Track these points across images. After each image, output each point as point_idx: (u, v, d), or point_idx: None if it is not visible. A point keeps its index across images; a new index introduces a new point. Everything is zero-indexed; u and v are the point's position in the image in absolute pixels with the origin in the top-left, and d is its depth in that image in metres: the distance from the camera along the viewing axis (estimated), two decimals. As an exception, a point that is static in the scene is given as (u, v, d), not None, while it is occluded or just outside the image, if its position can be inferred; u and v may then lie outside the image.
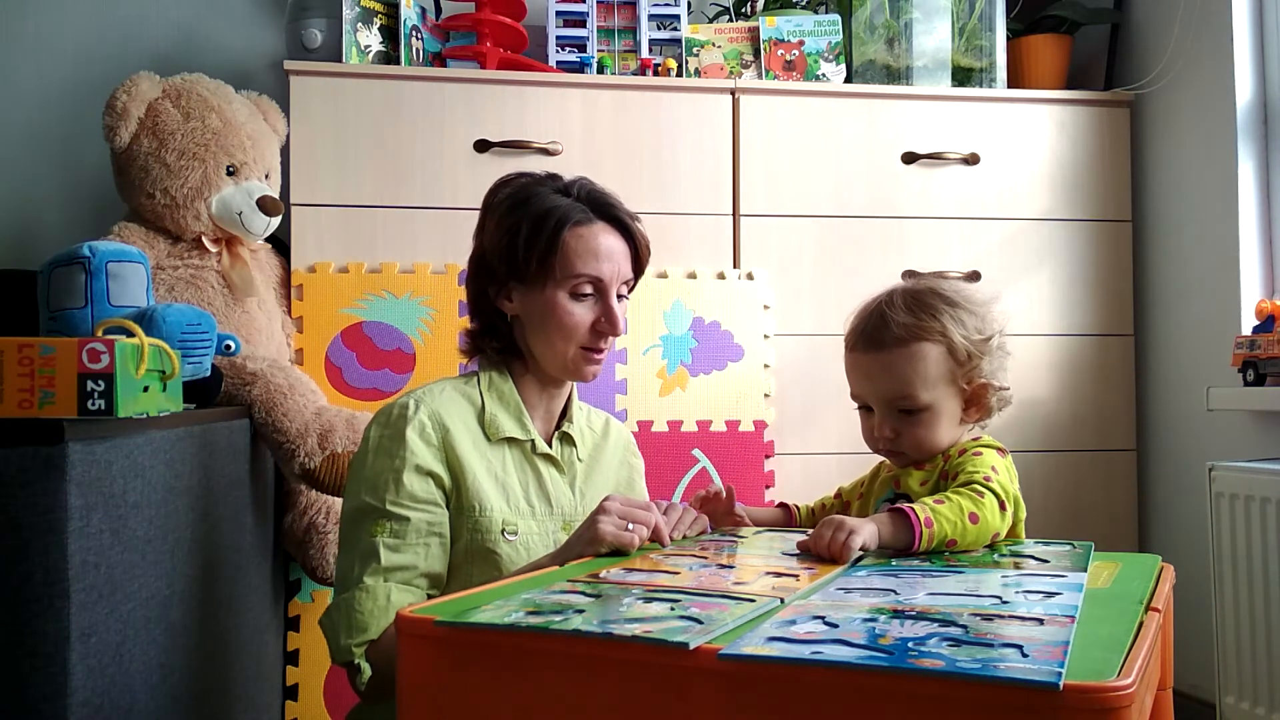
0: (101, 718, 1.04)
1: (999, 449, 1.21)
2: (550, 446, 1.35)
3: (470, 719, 0.77)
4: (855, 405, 1.27)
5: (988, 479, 1.13)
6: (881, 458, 1.36)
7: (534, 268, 1.28)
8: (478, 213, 1.29)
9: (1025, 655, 0.66)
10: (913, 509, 1.08)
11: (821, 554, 1.04)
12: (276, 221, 1.99)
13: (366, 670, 1.19)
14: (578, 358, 1.31)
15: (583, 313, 1.29)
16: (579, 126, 2.17)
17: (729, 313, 2.17)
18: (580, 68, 2.24)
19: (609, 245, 1.31)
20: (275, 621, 1.90)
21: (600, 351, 1.32)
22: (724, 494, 1.29)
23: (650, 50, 2.28)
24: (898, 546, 1.09)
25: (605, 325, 1.30)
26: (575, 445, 1.38)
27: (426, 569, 1.24)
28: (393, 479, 1.23)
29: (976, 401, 1.23)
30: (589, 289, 1.30)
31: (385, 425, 1.27)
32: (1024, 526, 1.20)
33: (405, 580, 1.22)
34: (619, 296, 1.33)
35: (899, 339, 1.19)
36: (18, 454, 0.96)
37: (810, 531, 1.08)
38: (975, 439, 1.24)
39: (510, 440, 1.32)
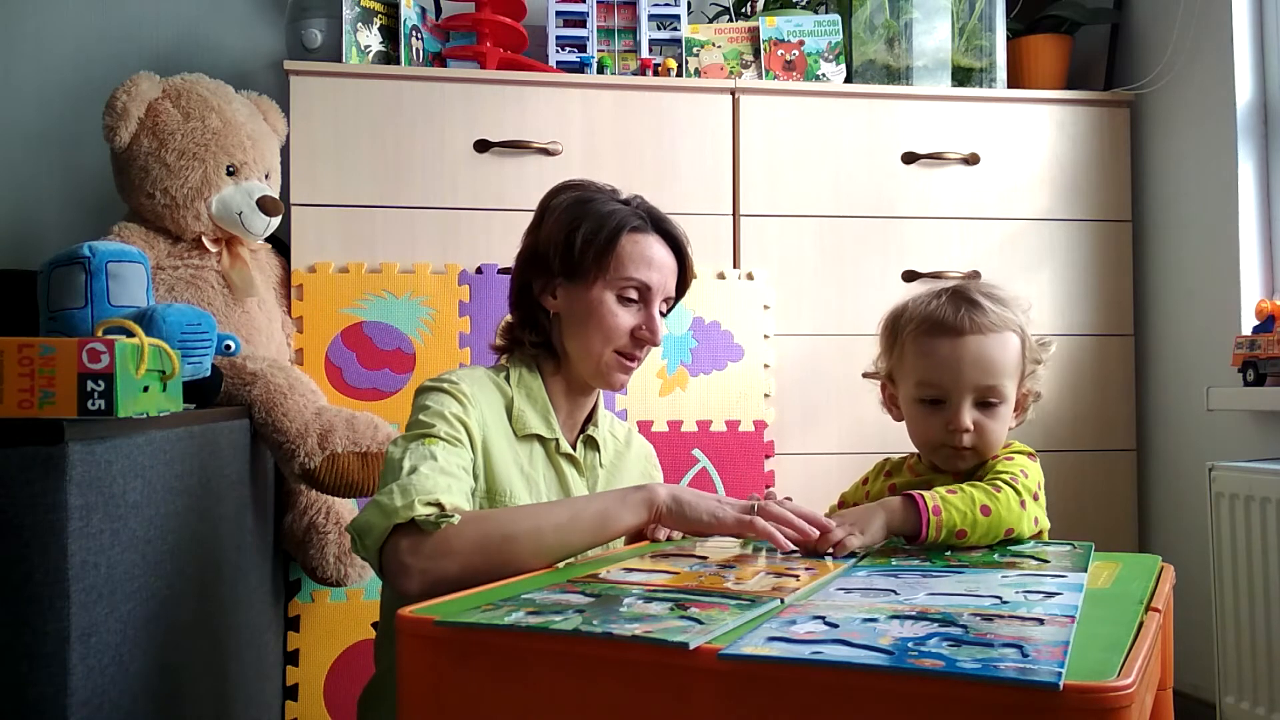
0: (101, 718, 1.04)
1: (1029, 453, 1.21)
2: (574, 449, 1.36)
3: (470, 719, 0.77)
4: (925, 398, 1.20)
5: (1014, 478, 1.13)
6: (878, 460, 1.35)
7: (588, 264, 1.29)
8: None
9: (1025, 655, 0.66)
10: (922, 496, 1.08)
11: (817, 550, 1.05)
12: (276, 221, 1.99)
13: (454, 517, 1.07)
14: (612, 362, 1.31)
15: (625, 317, 1.30)
16: (579, 126, 2.17)
17: (729, 313, 2.17)
18: (580, 68, 2.24)
19: (661, 257, 1.33)
20: (275, 621, 1.90)
21: (634, 359, 1.33)
22: (779, 498, 1.28)
23: (650, 50, 2.28)
24: (906, 534, 1.08)
25: (645, 333, 1.31)
26: (599, 450, 1.39)
27: (468, 492, 1.19)
28: (442, 417, 1.22)
29: (1019, 407, 1.23)
30: (635, 294, 1.31)
31: (431, 390, 1.26)
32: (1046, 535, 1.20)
33: (459, 490, 1.16)
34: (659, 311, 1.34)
35: (994, 325, 1.18)
36: (18, 454, 0.96)
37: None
38: (1006, 445, 1.24)
39: (535, 437, 1.32)
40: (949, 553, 1.07)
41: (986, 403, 1.19)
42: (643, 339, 1.32)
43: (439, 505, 1.09)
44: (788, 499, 1.27)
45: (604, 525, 1.12)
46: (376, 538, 1.09)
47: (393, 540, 1.08)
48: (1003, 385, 1.18)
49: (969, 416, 1.18)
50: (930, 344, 1.20)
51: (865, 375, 1.35)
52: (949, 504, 1.08)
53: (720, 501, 1.15)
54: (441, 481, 1.12)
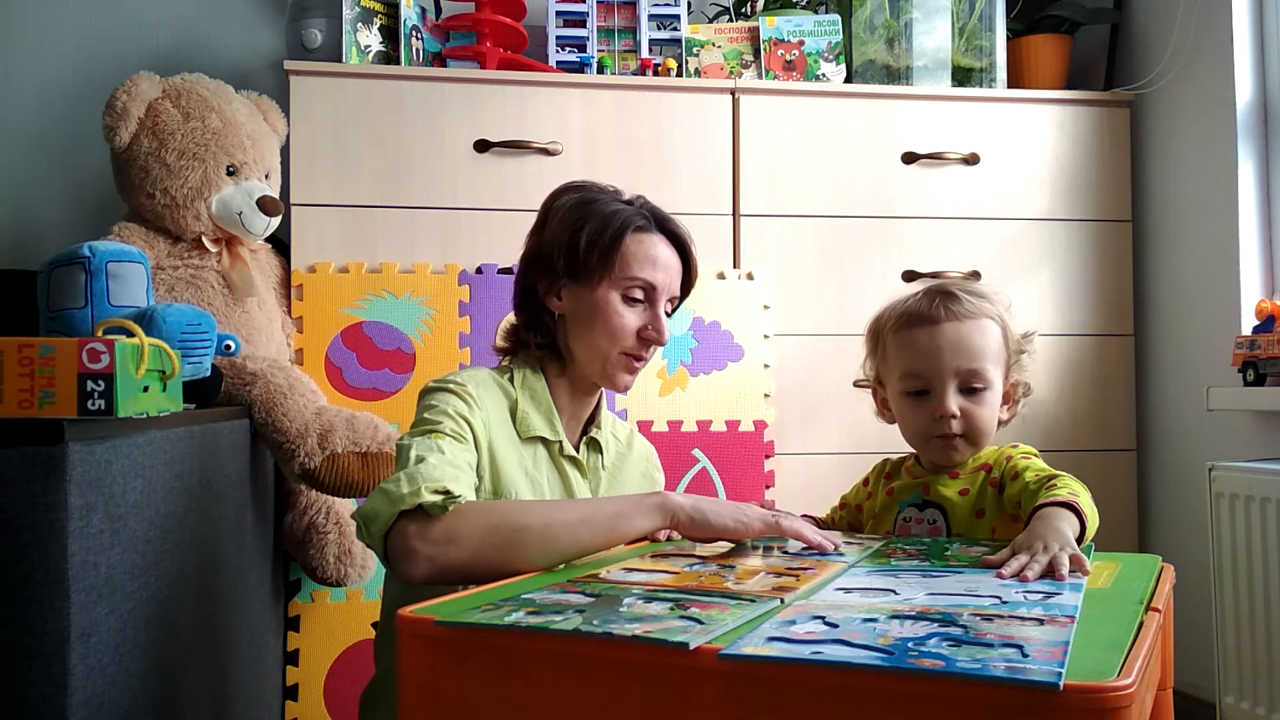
0: (101, 718, 1.04)
1: (1036, 454, 1.21)
2: (577, 451, 1.36)
3: (470, 719, 0.77)
4: (909, 390, 1.22)
5: (1066, 478, 1.12)
6: (878, 460, 1.35)
7: (593, 265, 1.29)
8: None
9: (1025, 655, 0.66)
10: (1076, 501, 1.04)
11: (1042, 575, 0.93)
12: (276, 221, 1.99)
13: (460, 498, 1.07)
14: (618, 362, 1.31)
15: (631, 317, 1.31)
16: (579, 126, 2.17)
17: (729, 313, 2.17)
18: (580, 68, 2.24)
19: (665, 256, 1.33)
20: (275, 621, 1.90)
21: (640, 360, 1.33)
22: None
23: (650, 50, 2.28)
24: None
25: (651, 333, 1.32)
26: (601, 452, 1.39)
27: (474, 487, 1.18)
28: (447, 415, 1.21)
29: (1009, 400, 1.23)
30: (640, 294, 1.31)
31: (436, 390, 1.26)
32: None
33: (466, 482, 1.15)
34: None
35: (969, 313, 1.20)
36: (18, 454, 0.96)
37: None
38: (1014, 445, 1.24)
39: (539, 439, 1.32)
40: (949, 552, 1.07)
41: (970, 388, 1.19)
42: (649, 339, 1.32)
43: (446, 492, 1.08)
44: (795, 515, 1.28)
45: (616, 527, 1.12)
46: (382, 524, 1.07)
47: (399, 525, 1.07)
48: (984, 369, 1.19)
49: (954, 402, 1.19)
50: (909, 335, 1.22)
51: (856, 384, 1.35)
52: (1084, 502, 1.05)
53: (739, 507, 1.15)
54: (449, 472, 1.12)
